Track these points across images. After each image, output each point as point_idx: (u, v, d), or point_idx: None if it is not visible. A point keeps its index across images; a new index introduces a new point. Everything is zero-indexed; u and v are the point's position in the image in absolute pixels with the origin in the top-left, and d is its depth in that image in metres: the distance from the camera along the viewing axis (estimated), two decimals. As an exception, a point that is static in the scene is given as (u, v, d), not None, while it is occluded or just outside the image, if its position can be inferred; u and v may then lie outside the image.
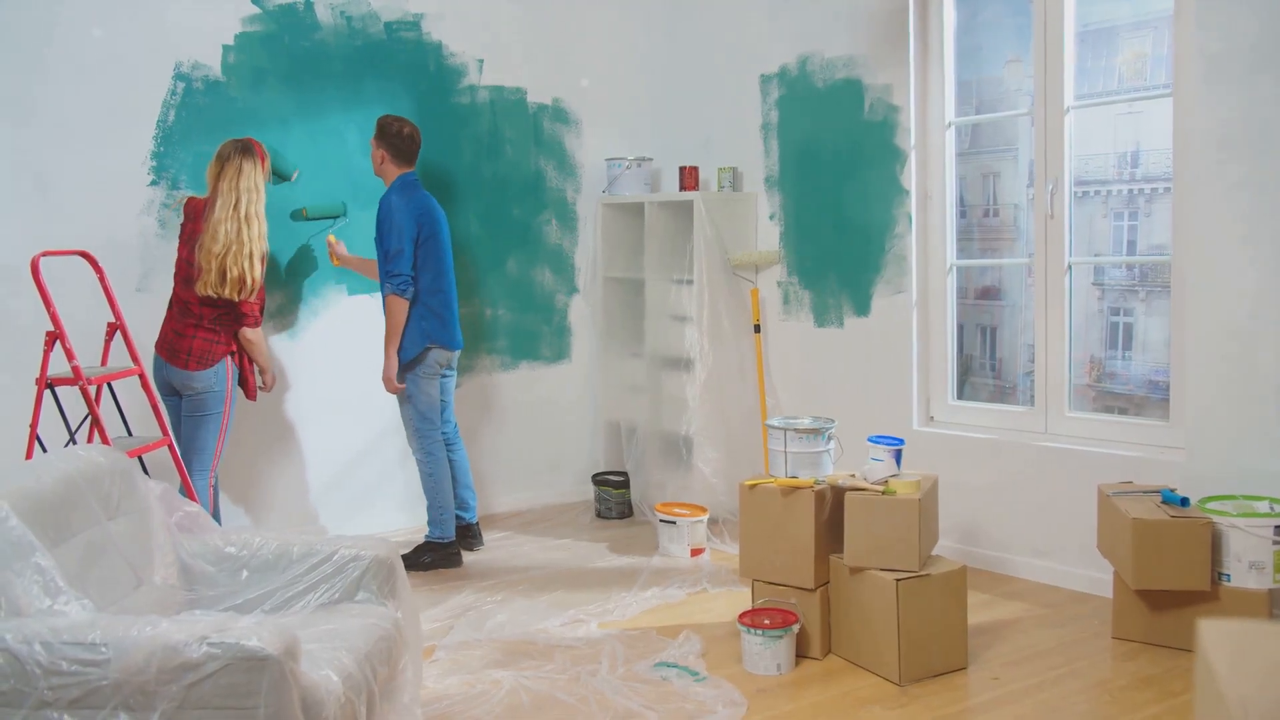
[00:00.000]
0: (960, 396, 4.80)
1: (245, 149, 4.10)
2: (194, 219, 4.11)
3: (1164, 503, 3.56)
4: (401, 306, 4.44)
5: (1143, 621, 3.58)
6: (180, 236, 4.18)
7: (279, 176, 4.62)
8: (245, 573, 2.74)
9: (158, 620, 2.08)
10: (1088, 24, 4.70)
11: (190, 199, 4.25)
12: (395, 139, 4.49)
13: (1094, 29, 4.78)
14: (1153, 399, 4.61)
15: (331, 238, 4.81)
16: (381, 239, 4.45)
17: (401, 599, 2.80)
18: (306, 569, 2.71)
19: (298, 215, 4.80)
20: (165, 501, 2.79)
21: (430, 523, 4.65)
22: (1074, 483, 4.09)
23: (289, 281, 4.87)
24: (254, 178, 4.06)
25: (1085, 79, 4.67)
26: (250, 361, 4.25)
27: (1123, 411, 4.66)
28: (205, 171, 4.23)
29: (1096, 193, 4.97)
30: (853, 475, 3.62)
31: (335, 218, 4.88)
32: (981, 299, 5.35)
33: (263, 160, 4.14)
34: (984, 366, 5.33)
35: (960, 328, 5.11)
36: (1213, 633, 0.82)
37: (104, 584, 2.44)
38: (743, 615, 3.51)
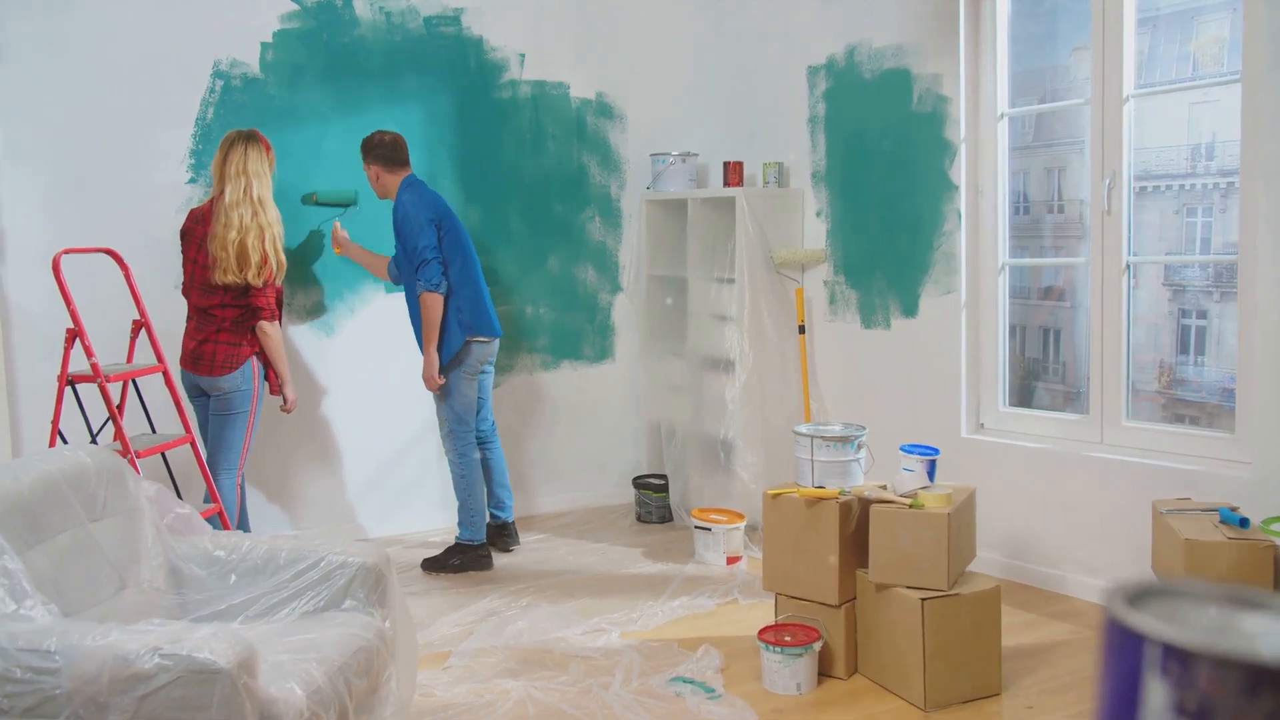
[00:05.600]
0: (1025, 402, 4.54)
1: (249, 136, 4.07)
2: (203, 221, 4.07)
3: (1222, 522, 3.28)
4: (437, 302, 4.36)
5: (1198, 649, 3.31)
6: (191, 242, 4.11)
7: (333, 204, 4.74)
8: (234, 577, 2.68)
9: (111, 629, 2.03)
10: (1161, 7, 4.40)
11: (193, 209, 4.21)
12: (379, 150, 4.42)
13: (1168, 12, 4.47)
14: (1226, 408, 4.29)
15: (337, 224, 4.75)
16: (405, 241, 4.37)
17: (392, 607, 2.71)
18: (292, 575, 2.64)
19: (307, 200, 4.75)
20: (158, 503, 2.75)
21: (461, 524, 4.58)
22: (1129, 496, 3.82)
23: (306, 271, 4.81)
24: (260, 162, 4.03)
25: (1157, 66, 4.37)
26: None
27: (1194, 421, 4.36)
28: (210, 165, 4.23)
29: (1168, 187, 4.66)
30: (883, 486, 3.43)
31: (346, 205, 4.81)
32: (1046, 300, 5.07)
33: (267, 149, 4.11)
34: (1047, 371, 5.06)
35: (1023, 330, 4.84)
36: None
37: (82, 587, 2.41)
38: (763, 631, 3.36)
